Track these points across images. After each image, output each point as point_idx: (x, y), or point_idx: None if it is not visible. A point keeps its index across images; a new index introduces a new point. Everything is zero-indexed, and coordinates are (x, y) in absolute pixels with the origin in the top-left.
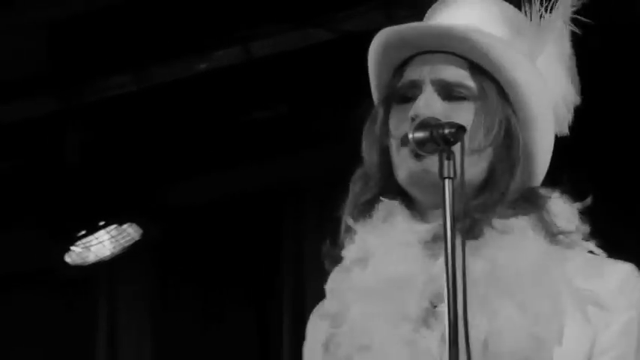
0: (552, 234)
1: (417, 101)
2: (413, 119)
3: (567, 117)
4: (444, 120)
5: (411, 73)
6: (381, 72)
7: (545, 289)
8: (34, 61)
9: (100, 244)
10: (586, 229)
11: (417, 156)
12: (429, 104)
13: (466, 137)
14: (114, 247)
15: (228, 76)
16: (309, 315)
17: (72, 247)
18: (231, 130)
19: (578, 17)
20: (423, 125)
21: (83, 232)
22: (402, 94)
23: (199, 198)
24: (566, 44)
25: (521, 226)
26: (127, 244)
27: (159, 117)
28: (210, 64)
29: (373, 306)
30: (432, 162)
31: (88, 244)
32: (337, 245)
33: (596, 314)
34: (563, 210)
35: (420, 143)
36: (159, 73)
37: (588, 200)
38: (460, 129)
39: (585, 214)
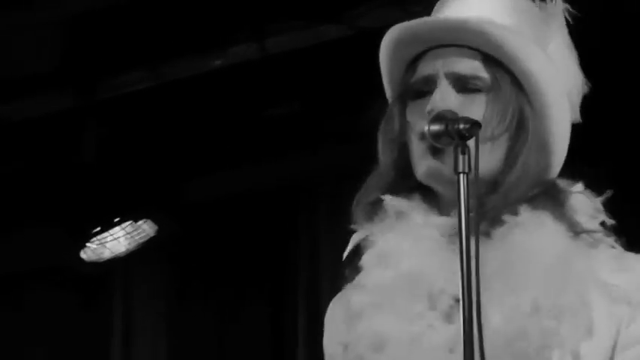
0: (575, 232)
1: (434, 95)
2: (429, 114)
3: (578, 104)
4: (459, 113)
5: (425, 68)
6: (393, 68)
7: (571, 283)
8: (50, 58)
9: (115, 241)
10: (609, 224)
11: (435, 152)
12: (445, 98)
13: (480, 129)
14: (129, 244)
15: (243, 73)
16: (324, 312)
17: (87, 244)
18: (246, 127)
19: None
20: (438, 118)
21: (98, 229)
22: (417, 90)
23: (214, 194)
24: (566, 32)
25: (543, 220)
26: (142, 241)
27: (174, 113)
28: (225, 61)
29: (391, 305)
30: (449, 158)
31: (103, 241)
32: (357, 254)
33: (620, 309)
34: (584, 206)
35: (436, 136)
36: (174, 70)
37: (609, 194)
38: (475, 125)
39: (605, 210)
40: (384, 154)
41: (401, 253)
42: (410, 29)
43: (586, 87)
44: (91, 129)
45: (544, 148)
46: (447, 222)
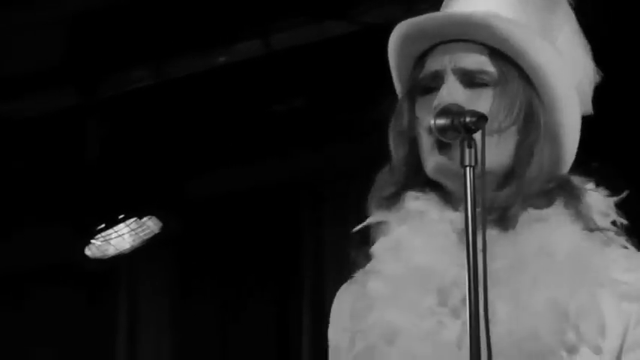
0: (589, 229)
1: (441, 90)
2: (436, 109)
3: (590, 95)
4: (466, 108)
5: (432, 64)
6: (402, 64)
7: (584, 283)
8: (53, 56)
9: (119, 238)
10: (622, 222)
11: (442, 147)
12: (452, 93)
13: (487, 122)
14: (134, 241)
15: (247, 70)
16: (328, 308)
17: (92, 241)
18: (250, 124)
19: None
20: (444, 112)
21: (103, 226)
22: (425, 86)
23: (218, 191)
24: (574, 20)
25: (558, 216)
26: (146, 238)
27: (178, 110)
28: (229, 58)
29: (401, 299)
30: (456, 153)
31: (107, 238)
32: (366, 242)
33: (629, 308)
34: (598, 203)
35: (442, 130)
36: (178, 67)
37: (624, 194)
38: (481, 118)
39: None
40: (395, 150)
41: (413, 247)
42: (417, 25)
43: (598, 77)
44: (94, 127)
45: (555, 141)
46: (459, 217)
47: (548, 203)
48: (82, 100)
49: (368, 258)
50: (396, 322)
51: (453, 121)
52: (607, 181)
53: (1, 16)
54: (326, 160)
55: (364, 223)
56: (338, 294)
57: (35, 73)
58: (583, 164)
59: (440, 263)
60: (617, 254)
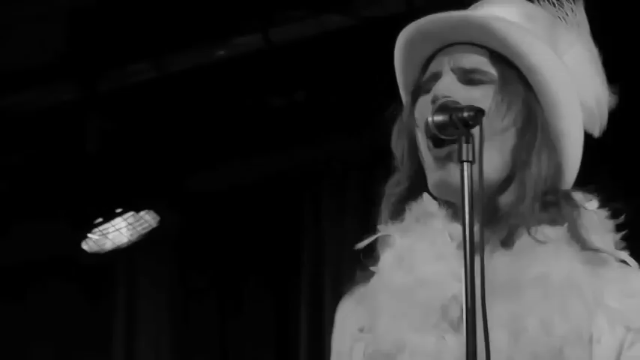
0: (585, 250)
1: (436, 84)
2: (433, 102)
3: (602, 118)
4: (463, 103)
5: (434, 66)
6: (407, 70)
7: (575, 308)
8: (53, 49)
9: (117, 232)
10: (619, 244)
11: (439, 164)
12: (449, 87)
13: (486, 120)
14: (131, 235)
15: (247, 63)
16: (327, 303)
17: (89, 235)
18: (250, 118)
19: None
20: (441, 109)
21: (100, 220)
22: (426, 88)
23: (217, 185)
24: (591, 45)
25: (557, 237)
26: (144, 232)
27: (177, 104)
28: (229, 51)
29: (404, 309)
30: (455, 170)
31: (105, 232)
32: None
33: (622, 332)
34: (597, 224)
35: (440, 127)
36: (178, 61)
37: (622, 218)
38: (479, 112)
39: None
40: (397, 149)
41: (415, 258)
42: (417, 28)
43: (611, 102)
44: (93, 120)
45: (554, 148)
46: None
47: (549, 220)
48: (81, 94)
49: (372, 269)
50: (401, 335)
51: (451, 117)
52: (610, 202)
53: (1, 10)
54: (326, 153)
55: (370, 239)
56: (341, 304)
57: (35, 67)
58: (588, 184)
59: (441, 275)
60: (613, 276)
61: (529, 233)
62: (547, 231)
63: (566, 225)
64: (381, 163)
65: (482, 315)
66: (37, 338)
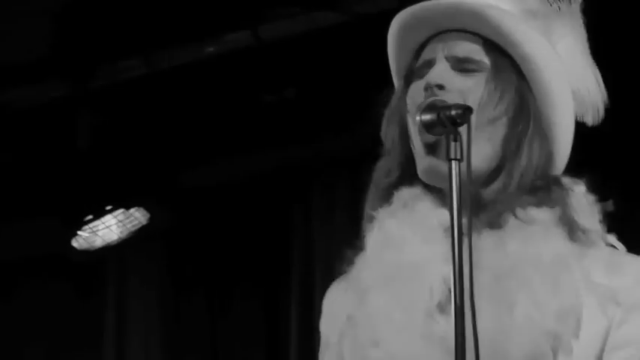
0: (573, 231)
1: (430, 72)
2: (426, 89)
3: (594, 108)
4: (456, 92)
5: (427, 53)
6: (400, 56)
7: (565, 285)
8: (43, 46)
9: (107, 229)
10: (605, 228)
11: (429, 150)
12: (442, 75)
13: (478, 109)
14: (121, 232)
15: (237, 60)
16: (317, 302)
17: (79, 232)
18: (240, 115)
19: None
20: (429, 108)
21: (90, 217)
22: (419, 74)
23: (208, 183)
24: (584, 38)
25: (545, 219)
26: (134, 229)
27: (168, 101)
28: (219, 48)
29: (391, 292)
30: (443, 159)
31: (95, 229)
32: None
33: (611, 310)
34: (585, 206)
35: (429, 126)
36: (168, 57)
37: (610, 204)
38: (467, 110)
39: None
40: (388, 135)
41: (403, 241)
42: (412, 14)
43: (604, 96)
44: (84, 117)
45: (546, 136)
46: (447, 213)
47: (537, 203)
48: (71, 90)
49: (359, 253)
50: (385, 315)
51: (439, 115)
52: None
53: None
54: (316, 150)
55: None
56: (330, 289)
57: (25, 64)
58: (577, 170)
59: (427, 258)
60: (600, 255)
61: (515, 216)
62: (533, 212)
63: (555, 208)
64: (371, 161)
65: (470, 296)
66: (27, 336)
